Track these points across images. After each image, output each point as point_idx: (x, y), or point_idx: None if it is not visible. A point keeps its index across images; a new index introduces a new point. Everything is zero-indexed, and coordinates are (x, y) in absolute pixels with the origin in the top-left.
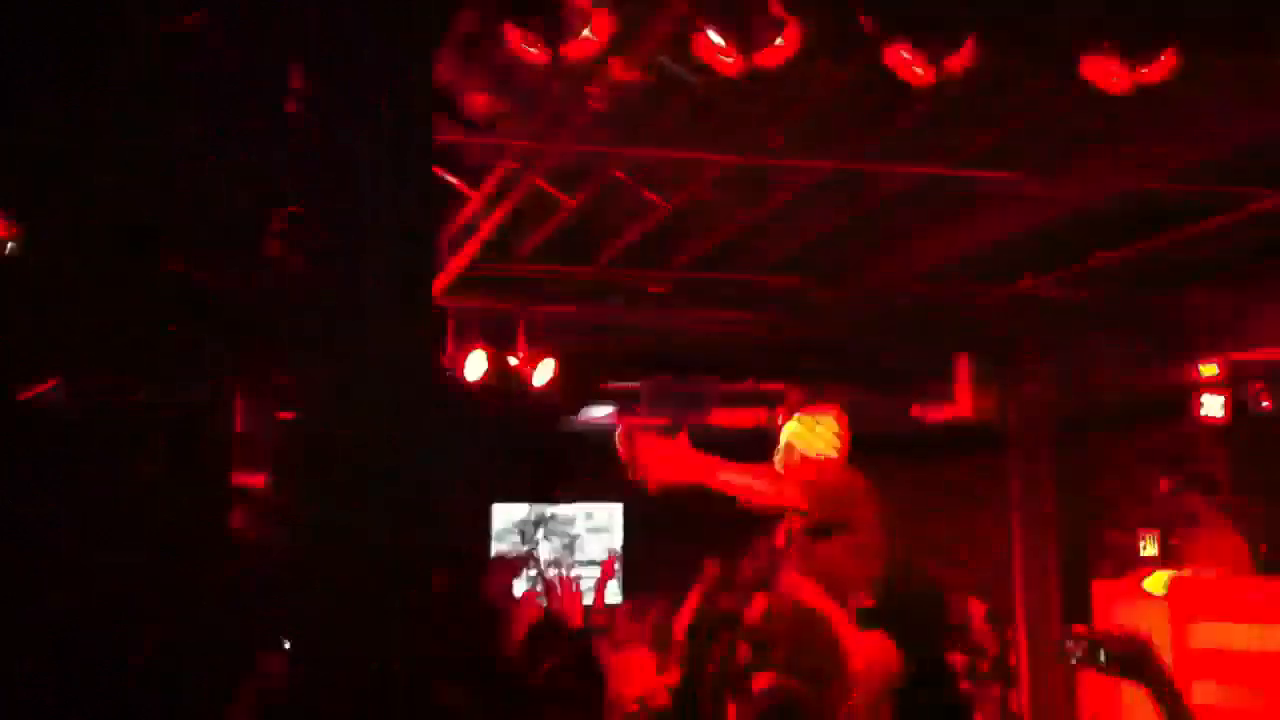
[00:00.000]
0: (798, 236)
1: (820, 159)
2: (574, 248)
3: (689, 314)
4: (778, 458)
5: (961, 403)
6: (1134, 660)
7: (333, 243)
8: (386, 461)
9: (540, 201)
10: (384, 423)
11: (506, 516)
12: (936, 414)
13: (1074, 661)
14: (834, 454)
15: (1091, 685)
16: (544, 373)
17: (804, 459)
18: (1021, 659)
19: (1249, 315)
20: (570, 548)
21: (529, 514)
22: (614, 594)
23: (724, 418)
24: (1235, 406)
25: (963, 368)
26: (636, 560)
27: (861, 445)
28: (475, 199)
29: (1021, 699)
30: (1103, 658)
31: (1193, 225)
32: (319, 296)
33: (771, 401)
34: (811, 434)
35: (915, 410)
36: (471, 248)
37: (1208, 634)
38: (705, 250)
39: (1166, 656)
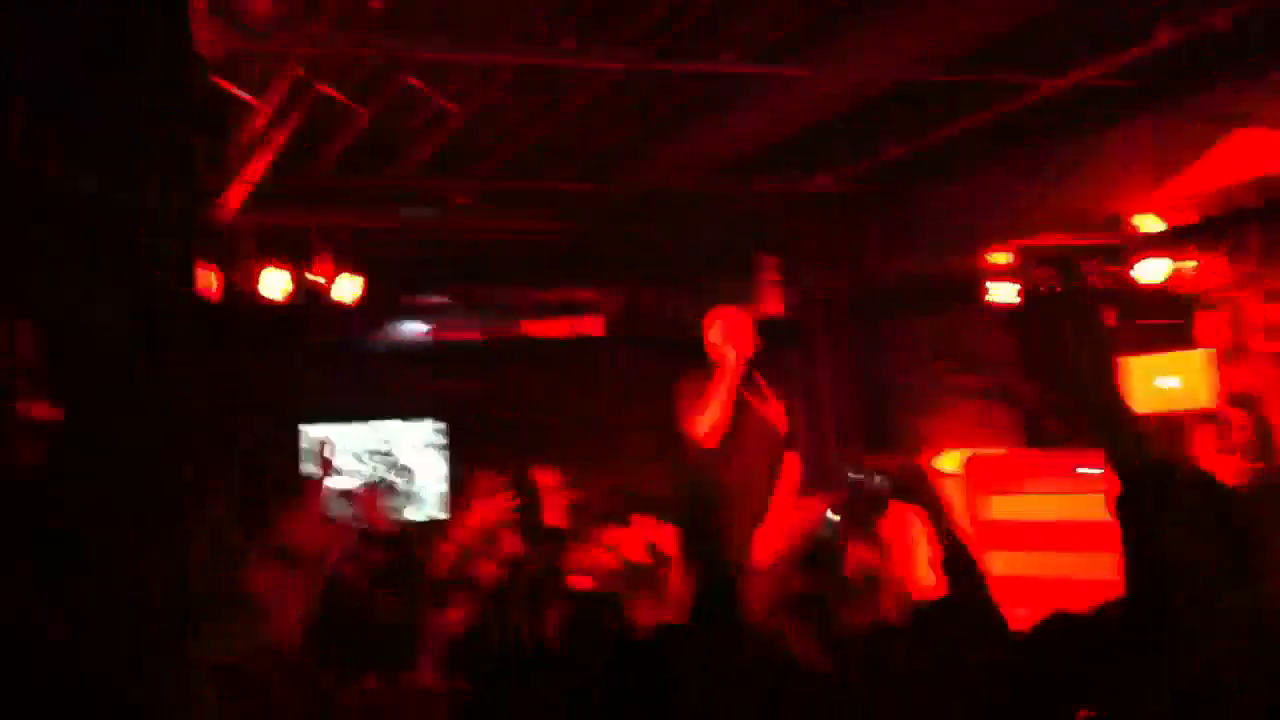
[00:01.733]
0: (596, 140)
1: (610, 59)
2: (372, 159)
3: (492, 223)
4: None
5: (769, 300)
6: (909, 485)
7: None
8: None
9: (335, 112)
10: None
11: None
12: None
13: (857, 485)
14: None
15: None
16: (350, 288)
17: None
18: None
19: (1033, 201)
20: (395, 468)
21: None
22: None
23: (534, 328)
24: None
25: (768, 266)
26: (461, 477)
27: (662, 345)
28: (264, 111)
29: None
30: (879, 481)
31: (971, 116)
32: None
33: (580, 310)
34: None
35: None
36: (263, 162)
37: (1001, 506)
38: (505, 158)
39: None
